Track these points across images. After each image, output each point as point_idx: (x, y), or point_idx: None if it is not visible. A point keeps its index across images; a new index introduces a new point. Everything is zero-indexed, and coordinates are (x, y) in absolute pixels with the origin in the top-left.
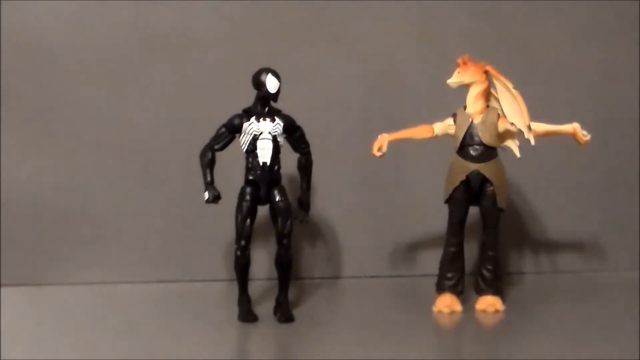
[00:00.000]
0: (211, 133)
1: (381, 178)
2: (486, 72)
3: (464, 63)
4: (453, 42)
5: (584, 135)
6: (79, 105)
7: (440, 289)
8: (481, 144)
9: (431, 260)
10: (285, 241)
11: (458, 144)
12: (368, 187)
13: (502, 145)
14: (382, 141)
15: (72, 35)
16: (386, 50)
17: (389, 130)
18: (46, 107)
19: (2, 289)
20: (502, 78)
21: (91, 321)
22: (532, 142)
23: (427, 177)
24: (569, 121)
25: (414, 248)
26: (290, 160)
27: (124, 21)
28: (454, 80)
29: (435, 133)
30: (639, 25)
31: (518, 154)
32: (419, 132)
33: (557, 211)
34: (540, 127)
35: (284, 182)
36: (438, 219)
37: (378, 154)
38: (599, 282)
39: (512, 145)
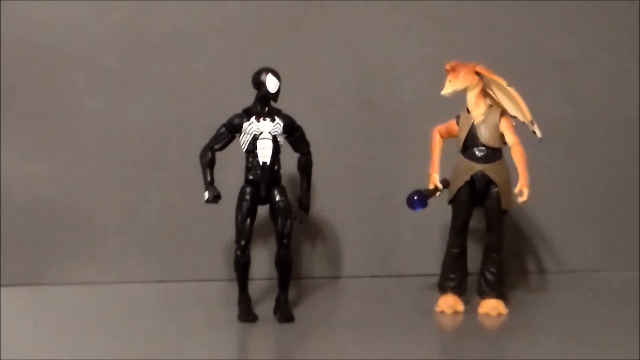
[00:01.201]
0: (211, 133)
1: (381, 178)
2: (478, 73)
3: (453, 69)
4: (452, 41)
5: (520, 195)
6: (79, 105)
7: (443, 289)
8: (484, 144)
9: (431, 260)
10: (285, 241)
11: (461, 145)
12: (368, 187)
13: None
14: (435, 181)
15: (71, 36)
16: (386, 50)
17: (389, 129)
18: (46, 107)
19: (2, 289)
20: (495, 77)
21: (91, 321)
22: (539, 134)
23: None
24: (570, 119)
25: (414, 248)
26: (290, 160)
27: (123, 22)
28: (448, 90)
29: (444, 138)
30: (639, 25)
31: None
32: (438, 147)
33: (556, 211)
34: (518, 156)
35: (284, 182)
36: (438, 219)
37: (440, 193)
38: (599, 282)
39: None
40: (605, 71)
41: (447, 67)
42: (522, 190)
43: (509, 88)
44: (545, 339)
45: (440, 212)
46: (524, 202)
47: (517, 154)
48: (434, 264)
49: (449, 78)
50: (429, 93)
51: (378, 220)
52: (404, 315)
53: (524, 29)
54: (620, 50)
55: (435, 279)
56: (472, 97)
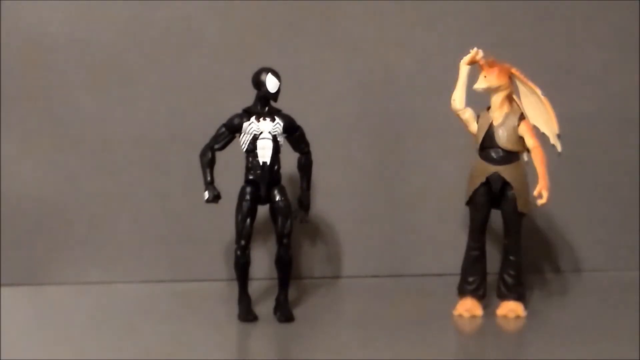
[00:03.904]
0: (211, 133)
1: (381, 178)
2: (511, 75)
3: (490, 66)
4: (453, 41)
5: (540, 198)
6: (79, 105)
7: (462, 292)
8: (501, 146)
9: (431, 260)
10: (285, 241)
11: (478, 145)
12: (368, 187)
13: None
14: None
15: (72, 36)
16: (387, 50)
17: (389, 129)
18: (46, 107)
19: (2, 289)
20: (530, 83)
21: (91, 321)
22: (559, 148)
23: (426, 177)
24: (570, 120)
25: (414, 248)
26: (290, 160)
27: (123, 22)
28: (482, 86)
29: (464, 113)
30: (639, 25)
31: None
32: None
33: (556, 211)
34: (538, 159)
35: (284, 182)
36: (438, 219)
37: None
38: (599, 282)
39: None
40: (606, 71)
41: (484, 62)
42: (541, 193)
43: (543, 97)
44: (545, 340)
45: (440, 211)
46: (543, 205)
47: (537, 157)
48: (434, 264)
49: (484, 73)
50: (431, 93)
51: (378, 220)
52: (403, 316)
53: (525, 29)
54: (622, 51)
55: (436, 279)
56: (498, 99)
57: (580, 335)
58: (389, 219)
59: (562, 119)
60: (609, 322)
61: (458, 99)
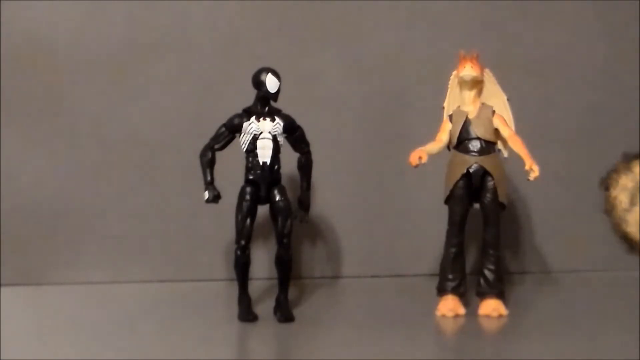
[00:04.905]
0: (211, 133)
1: (381, 178)
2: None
3: (475, 58)
4: (453, 41)
5: (532, 172)
6: (79, 105)
7: (442, 290)
8: (478, 138)
9: (431, 260)
10: (285, 241)
11: (455, 140)
12: (368, 187)
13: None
14: (422, 152)
15: (72, 36)
16: (386, 50)
17: (388, 129)
18: (46, 107)
19: (2, 289)
20: (498, 86)
21: (91, 321)
22: (505, 154)
23: (427, 177)
24: (569, 118)
25: (414, 248)
26: (290, 160)
27: (123, 22)
28: (473, 73)
29: (445, 142)
30: (639, 25)
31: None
32: (438, 147)
33: (556, 211)
34: (518, 144)
35: (284, 182)
36: (438, 219)
37: (418, 162)
38: (599, 282)
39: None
40: (605, 69)
41: (471, 55)
42: (532, 167)
43: (507, 102)
44: (546, 340)
45: (440, 212)
46: (535, 178)
47: (516, 143)
48: (434, 264)
49: (470, 64)
50: (430, 93)
51: (378, 220)
52: (404, 316)
53: (524, 28)
54: (618, 50)
55: (436, 279)
56: (472, 93)
57: (579, 335)
58: (389, 219)
59: (562, 115)
60: (607, 322)
61: (435, 150)
